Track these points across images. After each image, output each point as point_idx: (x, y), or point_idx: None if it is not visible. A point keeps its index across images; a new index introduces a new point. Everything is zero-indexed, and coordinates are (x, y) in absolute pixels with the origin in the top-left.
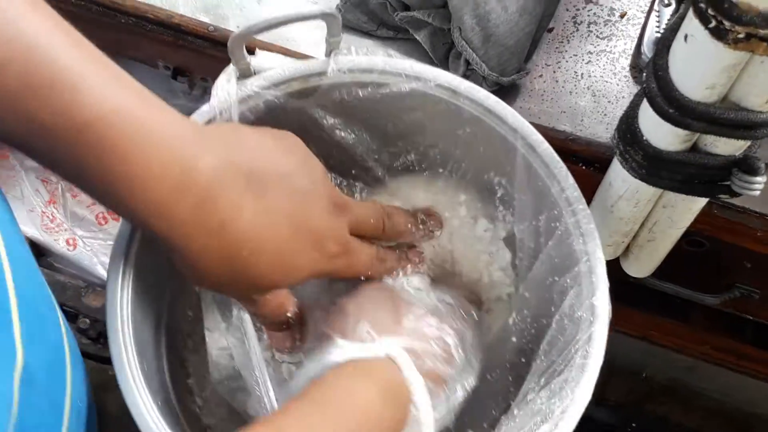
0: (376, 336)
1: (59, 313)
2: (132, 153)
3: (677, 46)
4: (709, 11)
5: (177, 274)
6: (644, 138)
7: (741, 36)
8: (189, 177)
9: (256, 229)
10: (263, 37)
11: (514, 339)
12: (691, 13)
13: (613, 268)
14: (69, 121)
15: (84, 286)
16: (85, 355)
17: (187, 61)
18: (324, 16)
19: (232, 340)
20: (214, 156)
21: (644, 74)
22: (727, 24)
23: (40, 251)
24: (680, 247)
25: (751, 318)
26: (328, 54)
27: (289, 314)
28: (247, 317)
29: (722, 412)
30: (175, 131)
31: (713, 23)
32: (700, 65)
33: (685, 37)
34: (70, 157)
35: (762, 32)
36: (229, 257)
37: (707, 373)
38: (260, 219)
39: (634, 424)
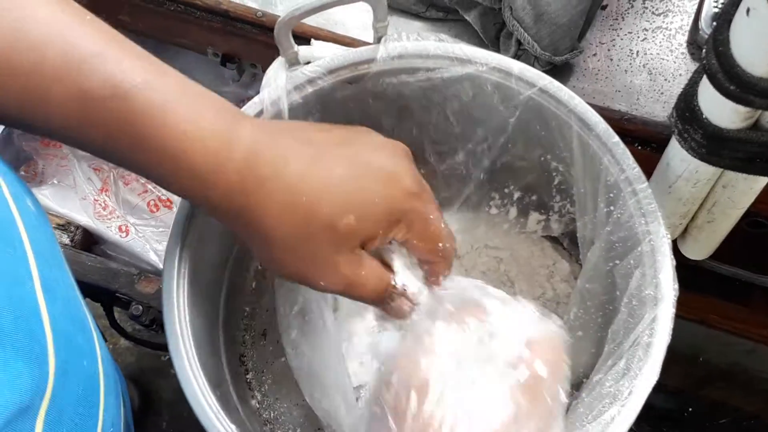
0: None
1: (96, 339)
2: (179, 113)
3: (739, 20)
4: None
5: (232, 268)
6: (704, 116)
7: None
8: (234, 134)
9: (311, 171)
10: (312, 23)
11: (580, 333)
12: None
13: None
14: (115, 89)
15: (136, 272)
16: (138, 341)
17: (235, 47)
18: None
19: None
20: (253, 121)
21: (704, 50)
22: None
23: (93, 239)
24: (740, 228)
25: None
26: (377, 40)
27: (394, 283)
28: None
29: None
30: (217, 102)
31: None
32: (764, 39)
33: (747, 10)
34: (122, 131)
35: None
36: (291, 206)
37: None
38: (313, 163)
39: (690, 409)
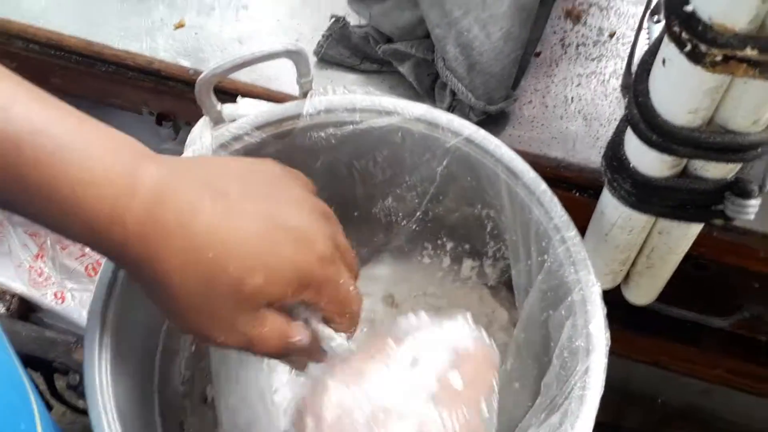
0: None
1: (34, 403)
2: (72, 159)
3: (656, 71)
4: (684, 35)
5: (167, 331)
6: (631, 165)
7: (719, 59)
8: (136, 179)
9: (221, 226)
10: (246, 79)
11: (517, 384)
12: (666, 37)
13: (618, 295)
14: (5, 138)
15: (74, 341)
16: (78, 410)
17: (170, 106)
18: (288, 53)
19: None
20: (159, 163)
21: (626, 100)
22: (703, 47)
23: (30, 307)
24: (685, 270)
25: (764, 339)
26: (302, 95)
27: (296, 340)
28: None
29: None
30: (118, 142)
31: (689, 47)
32: (681, 90)
33: (663, 61)
34: (14, 181)
35: (740, 54)
36: (195, 262)
37: (723, 396)
38: (225, 217)
39: None
